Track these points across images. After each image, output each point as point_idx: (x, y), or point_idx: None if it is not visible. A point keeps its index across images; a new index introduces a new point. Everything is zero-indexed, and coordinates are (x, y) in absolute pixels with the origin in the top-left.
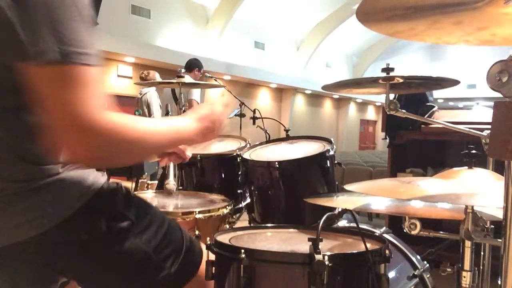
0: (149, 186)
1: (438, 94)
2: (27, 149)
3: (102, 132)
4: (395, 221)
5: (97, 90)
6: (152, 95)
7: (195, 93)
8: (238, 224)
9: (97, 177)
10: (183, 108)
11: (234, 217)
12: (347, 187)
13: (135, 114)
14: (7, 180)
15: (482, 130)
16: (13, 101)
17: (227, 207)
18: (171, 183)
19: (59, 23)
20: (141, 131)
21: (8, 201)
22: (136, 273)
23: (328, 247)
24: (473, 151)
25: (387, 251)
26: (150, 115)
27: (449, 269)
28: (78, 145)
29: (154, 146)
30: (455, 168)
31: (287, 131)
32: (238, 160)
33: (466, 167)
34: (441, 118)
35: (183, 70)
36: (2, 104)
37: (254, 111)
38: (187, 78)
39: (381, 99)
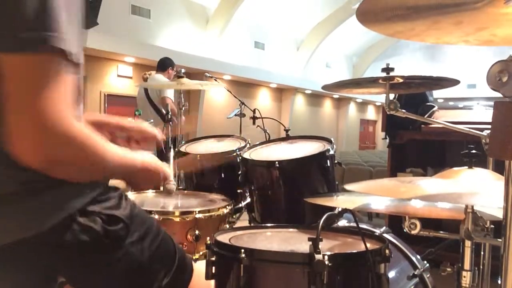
0: None
1: (438, 94)
2: None
3: (64, 134)
4: (395, 221)
5: (69, 92)
6: None
7: (168, 91)
8: (238, 224)
9: (96, 180)
10: (183, 108)
11: (234, 216)
12: (347, 186)
13: (135, 114)
14: (7, 179)
15: (482, 130)
16: None
17: (227, 206)
18: (171, 182)
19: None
20: (101, 146)
21: (8, 199)
22: (129, 283)
23: (328, 246)
24: (473, 151)
25: (387, 251)
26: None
27: (449, 269)
28: (36, 145)
29: (108, 164)
30: (455, 168)
31: (287, 131)
32: (238, 160)
33: (466, 167)
34: (441, 118)
35: (183, 71)
36: None
37: (254, 111)
38: (160, 77)
39: (381, 99)
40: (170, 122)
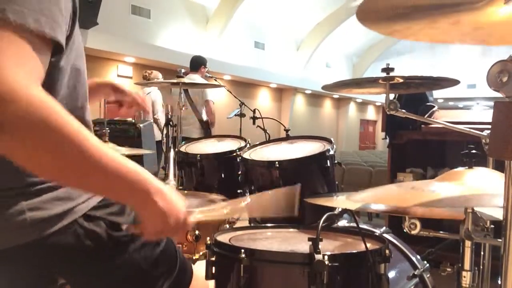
0: None
1: (438, 94)
2: None
3: (20, 101)
4: (395, 221)
5: (33, 60)
6: (156, 94)
7: (210, 93)
8: (238, 224)
9: None
10: (183, 108)
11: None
12: (352, 197)
13: (135, 114)
14: (13, 180)
15: (482, 130)
16: None
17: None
18: (171, 183)
19: None
20: (71, 127)
21: (12, 201)
22: (129, 287)
23: (328, 247)
24: (473, 151)
25: (387, 251)
26: (153, 114)
27: (449, 269)
28: None
29: (77, 157)
30: (456, 169)
31: (287, 131)
32: (238, 160)
33: (467, 167)
34: (441, 118)
35: (183, 71)
36: None
37: (254, 111)
38: (196, 77)
39: (381, 99)
40: (170, 123)
